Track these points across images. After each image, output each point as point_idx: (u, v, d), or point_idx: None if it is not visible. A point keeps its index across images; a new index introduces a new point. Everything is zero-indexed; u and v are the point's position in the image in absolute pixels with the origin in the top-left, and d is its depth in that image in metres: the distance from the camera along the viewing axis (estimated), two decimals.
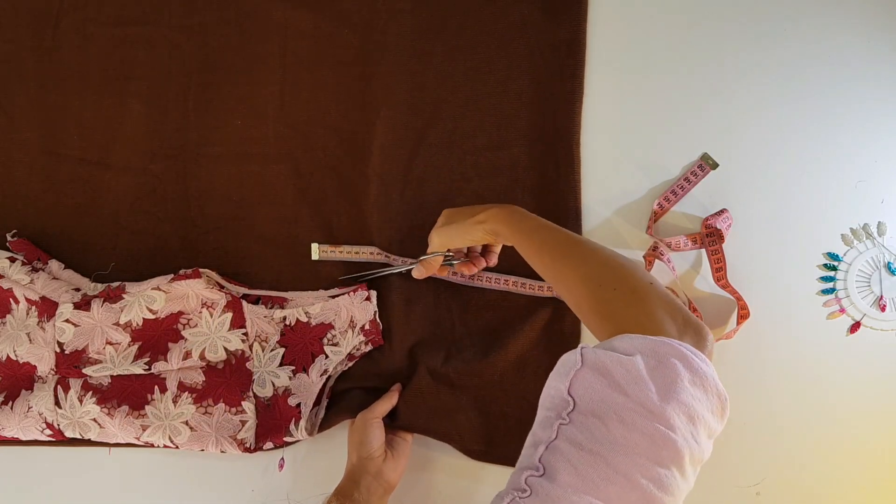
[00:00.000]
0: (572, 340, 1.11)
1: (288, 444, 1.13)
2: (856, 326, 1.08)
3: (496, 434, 1.11)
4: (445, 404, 1.11)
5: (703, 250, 1.09)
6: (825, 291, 1.09)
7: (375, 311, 1.12)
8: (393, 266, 1.13)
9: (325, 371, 1.11)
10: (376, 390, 1.13)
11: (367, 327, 1.12)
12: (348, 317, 1.12)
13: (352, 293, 1.12)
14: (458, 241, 1.01)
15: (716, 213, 1.08)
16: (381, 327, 1.13)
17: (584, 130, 1.13)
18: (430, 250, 1.05)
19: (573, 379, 0.61)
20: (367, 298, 1.12)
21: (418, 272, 1.09)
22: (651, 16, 1.14)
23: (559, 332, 1.12)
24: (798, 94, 1.11)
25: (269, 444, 1.12)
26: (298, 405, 1.11)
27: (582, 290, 0.77)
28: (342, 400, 1.13)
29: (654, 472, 0.57)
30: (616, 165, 1.13)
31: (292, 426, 1.10)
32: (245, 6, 1.18)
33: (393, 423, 1.11)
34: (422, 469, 1.13)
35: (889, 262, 1.08)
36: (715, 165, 1.10)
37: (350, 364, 1.14)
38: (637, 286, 0.74)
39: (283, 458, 1.14)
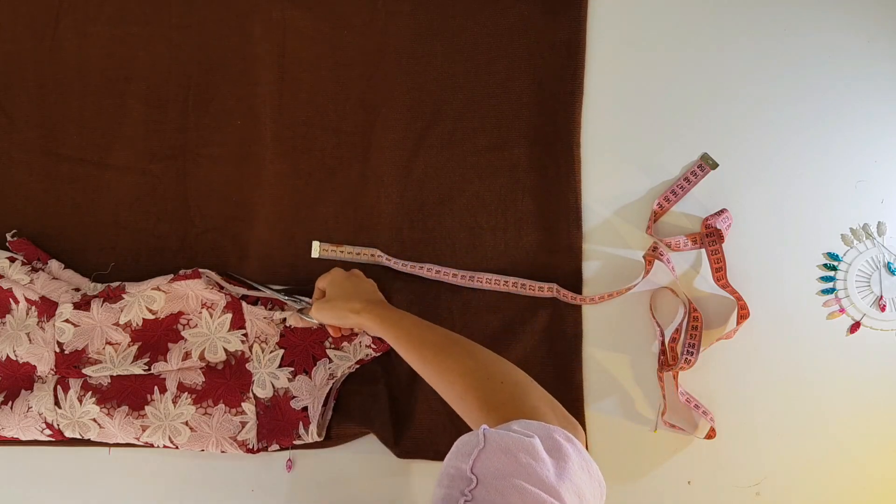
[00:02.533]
0: (574, 342, 1.11)
1: (297, 446, 1.12)
2: (856, 326, 1.08)
3: None
4: (452, 411, 1.11)
5: (703, 250, 1.09)
6: (825, 291, 1.09)
7: None
8: (281, 296, 1.13)
9: (332, 376, 1.11)
10: (380, 395, 1.13)
11: (372, 345, 1.12)
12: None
13: None
14: (331, 323, 1.07)
15: (716, 213, 1.08)
16: None
17: (585, 130, 1.13)
18: (312, 315, 1.08)
19: (476, 458, 0.64)
20: None
21: (294, 321, 1.12)
22: (651, 16, 1.14)
23: (561, 332, 1.11)
24: (798, 94, 1.11)
25: (275, 446, 1.11)
26: (305, 409, 1.11)
27: (469, 383, 0.83)
28: (348, 405, 1.13)
29: None
30: (616, 165, 1.13)
31: (301, 429, 1.10)
32: (244, 6, 1.18)
33: (398, 447, 1.11)
34: (424, 474, 1.13)
35: (889, 262, 1.08)
36: (715, 165, 1.10)
37: (357, 367, 1.13)
38: (521, 381, 0.81)
39: (290, 459, 1.13)
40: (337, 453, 1.13)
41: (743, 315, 1.06)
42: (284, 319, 1.12)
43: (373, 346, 1.12)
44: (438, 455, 1.11)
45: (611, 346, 1.10)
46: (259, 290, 1.14)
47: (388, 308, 1.02)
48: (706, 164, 1.10)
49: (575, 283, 1.12)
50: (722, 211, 1.08)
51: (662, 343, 1.08)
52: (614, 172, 1.13)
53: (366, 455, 1.13)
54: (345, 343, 1.12)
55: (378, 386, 1.13)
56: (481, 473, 0.63)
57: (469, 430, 0.72)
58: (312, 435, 1.09)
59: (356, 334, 1.12)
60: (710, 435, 1.06)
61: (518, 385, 0.80)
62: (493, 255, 1.14)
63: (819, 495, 1.06)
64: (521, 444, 0.64)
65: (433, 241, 1.15)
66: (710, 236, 1.08)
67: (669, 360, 1.07)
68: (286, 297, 1.13)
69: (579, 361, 1.11)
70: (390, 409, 1.12)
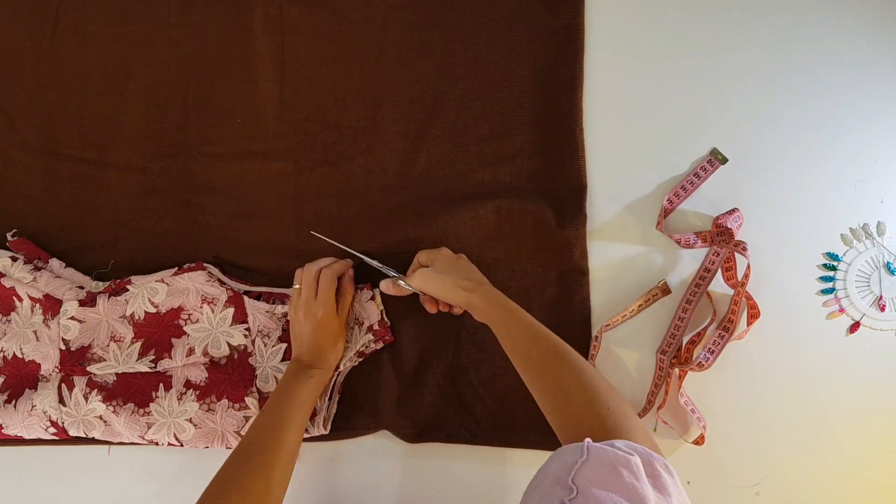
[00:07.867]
0: (581, 320, 1.11)
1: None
2: (855, 326, 1.08)
3: (517, 418, 1.11)
4: (462, 394, 1.12)
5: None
6: (825, 291, 1.09)
7: (382, 311, 1.12)
8: (382, 267, 1.12)
9: (336, 368, 1.12)
10: (386, 382, 1.13)
11: (375, 327, 1.12)
12: (352, 314, 1.12)
13: (356, 292, 1.12)
14: (435, 294, 1.06)
15: (727, 212, 1.08)
16: (389, 325, 1.13)
17: (589, 123, 1.13)
18: (412, 282, 1.07)
19: (578, 469, 0.66)
20: (372, 298, 1.12)
21: (386, 287, 1.10)
22: (651, 4, 1.14)
23: (568, 311, 1.11)
24: (797, 94, 1.10)
25: None
26: None
27: (583, 396, 0.84)
28: (355, 396, 1.14)
29: None
30: (622, 154, 1.13)
31: (307, 422, 1.10)
32: (243, 4, 1.18)
33: (403, 430, 1.12)
34: (435, 456, 1.14)
35: (888, 262, 1.08)
36: (724, 160, 1.10)
37: (359, 360, 1.14)
38: (627, 411, 0.82)
39: None
40: (341, 445, 1.14)
41: (753, 315, 1.06)
42: (286, 314, 1.12)
43: (373, 335, 1.12)
44: (450, 438, 1.11)
45: (611, 346, 1.11)
46: (362, 258, 1.13)
47: (500, 294, 1.02)
48: (716, 158, 1.10)
49: (581, 262, 1.12)
50: (733, 210, 1.08)
51: (679, 339, 1.08)
52: (620, 162, 1.13)
53: (370, 445, 1.14)
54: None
55: (383, 373, 1.14)
56: (582, 485, 0.65)
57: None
58: (318, 427, 1.10)
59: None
60: (698, 441, 1.07)
61: (625, 415, 0.81)
62: (499, 237, 1.13)
63: (819, 495, 1.07)
64: (622, 461, 0.66)
65: (438, 231, 1.14)
66: (721, 235, 1.07)
67: (682, 359, 1.07)
68: (383, 267, 1.12)
69: (588, 330, 1.11)
70: (398, 396, 1.12)
